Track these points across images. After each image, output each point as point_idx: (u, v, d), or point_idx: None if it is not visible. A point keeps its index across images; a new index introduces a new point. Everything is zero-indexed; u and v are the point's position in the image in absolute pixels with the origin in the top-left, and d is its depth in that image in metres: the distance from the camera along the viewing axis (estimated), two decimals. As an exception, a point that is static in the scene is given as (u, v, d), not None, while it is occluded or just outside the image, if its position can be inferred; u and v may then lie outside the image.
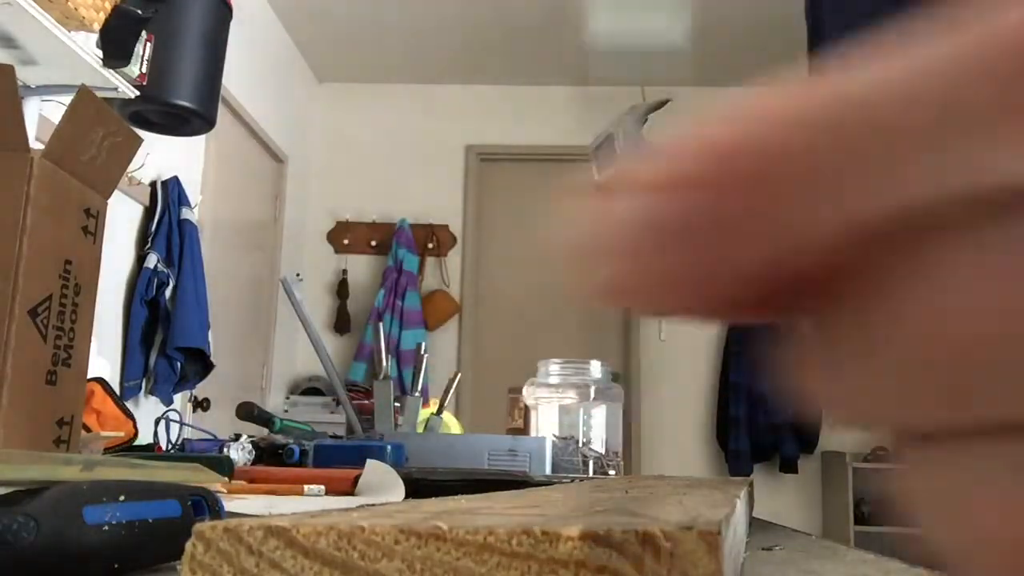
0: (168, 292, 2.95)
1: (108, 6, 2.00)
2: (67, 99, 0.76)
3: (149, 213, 3.01)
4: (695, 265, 0.11)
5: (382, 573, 0.18)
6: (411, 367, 1.52)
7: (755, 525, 0.64)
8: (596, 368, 1.40)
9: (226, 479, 0.73)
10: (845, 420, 0.11)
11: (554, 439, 1.29)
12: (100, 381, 1.49)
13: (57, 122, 0.71)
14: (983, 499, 0.10)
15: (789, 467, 4.37)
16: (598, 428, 1.36)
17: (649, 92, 3.90)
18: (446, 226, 4.78)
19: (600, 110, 2.92)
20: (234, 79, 3.35)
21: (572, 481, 0.89)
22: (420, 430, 1.41)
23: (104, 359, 2.22)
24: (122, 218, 2.84)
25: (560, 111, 4.77)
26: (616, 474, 1.30)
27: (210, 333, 3.07)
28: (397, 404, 1.34)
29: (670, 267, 0.11)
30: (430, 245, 4.72)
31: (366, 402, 1.45)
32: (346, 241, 4.75)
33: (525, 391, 1.43)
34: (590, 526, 0.18)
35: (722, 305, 0.12)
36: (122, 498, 0.34)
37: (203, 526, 0.19)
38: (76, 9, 1.89)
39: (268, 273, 4.24)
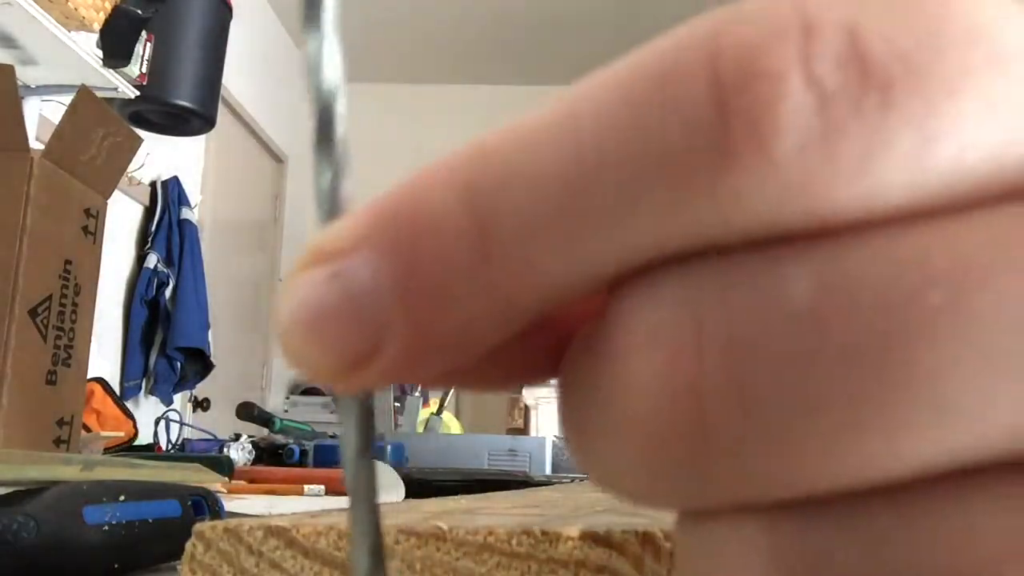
0: (168, 292, 2.94)
1: (108, 6, 2.00)
2: (67, 99, 0.76)
3: (149, 213, 3.01)
4: (403, 333, 0.10)
5: (382, 573, 0.18)
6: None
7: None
8: (596, 368, 1.39)
9: (226, 479, 0.73)
10: (602, 489, 0.10)
11: (554, 439, 1.29)
12: (100, 381, 1.49)
13: (57, 122, 0.72)
14: None
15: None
16: (598, 428, 1.35)
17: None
18: (446, 226, 4.78)
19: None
20: (234, 79, 3.34)
21: (572, 481, 0.90)
22: (420, 430, 1.41)
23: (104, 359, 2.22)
24: (122, 218, 2.84)
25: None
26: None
27: (210, 333, 3.07)
28: (397, 404, 1.34)
29: (375, 337, 0.10)
30: (430, 245, 4.73)
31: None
32: (346, 241, 4.74)
33: (525, 391, 1.43)
34: (590, 526, 0.18)
35: (468, 373, 0.11)
36: (122, 498, 0.34)
37: (203, 526, 0.19)
38: (76, 9, 1.89)
39: (268, 273, 4.24)
